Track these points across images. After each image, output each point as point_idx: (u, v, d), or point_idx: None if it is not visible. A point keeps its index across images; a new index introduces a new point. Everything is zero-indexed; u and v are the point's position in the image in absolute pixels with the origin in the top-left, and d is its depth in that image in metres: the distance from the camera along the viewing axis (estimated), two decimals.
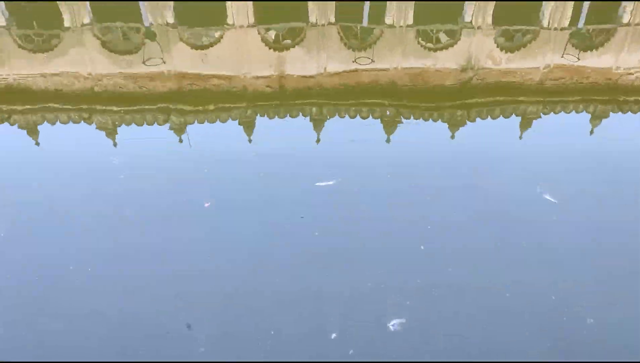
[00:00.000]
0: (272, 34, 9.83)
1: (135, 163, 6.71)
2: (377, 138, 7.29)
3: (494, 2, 10.70)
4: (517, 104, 8.19)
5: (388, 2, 10.77)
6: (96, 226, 5.77)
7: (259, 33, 9.82)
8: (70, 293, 4.98)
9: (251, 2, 10.49)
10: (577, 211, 6.03)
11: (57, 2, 10.26)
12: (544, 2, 10.94)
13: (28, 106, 7.90)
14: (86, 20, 10.07)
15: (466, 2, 10.83)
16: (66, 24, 9.96)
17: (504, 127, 7.75)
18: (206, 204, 6.01)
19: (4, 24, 9.70)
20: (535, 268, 5.28)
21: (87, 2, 10.38)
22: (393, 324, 4.75)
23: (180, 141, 7.13)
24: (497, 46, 9.79)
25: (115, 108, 7.84)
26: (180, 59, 9.25)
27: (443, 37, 9.92)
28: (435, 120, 7.77)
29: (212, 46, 9.60)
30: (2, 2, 10.21)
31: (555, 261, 5.37)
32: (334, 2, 10.52)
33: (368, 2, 10.64)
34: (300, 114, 7.81)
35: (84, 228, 5.72)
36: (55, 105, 7.98)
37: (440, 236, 5.64)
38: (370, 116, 7.83)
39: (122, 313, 4.79)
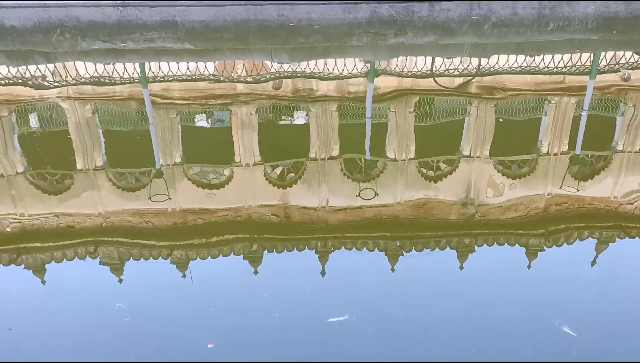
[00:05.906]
0: (277, 171, 10.22)
1: (139, 304, 6.60)
2: (385, 270, 7.23)
3: (491, 137, 11.27)
4: (520, 237, 8.23)
5: (388, 137, 11.35)
6: None
7: (264, 172, 10.17)
8: None
9: (256, 141, 11.04)
10: (597, 344, 5.82)
11: (73, 145, 10.84)
12: (541, 132, 11.48)
13: (37, 244, 7.98)
14: (99, 163, 10.56)
15: (464, 137, 11.39)
16: (79, 166, 10.39)
17: (511, 259, 7.71)
18: (209, 346, 5.81)
19: (21, 170, 10.16)
20: None
21: (102, 145, 10.97)
22: None
23: (184, 276, 7.10)
24: (497, 172, 10.12)
25: (121, 241, 7.92)
26: (186, 196, 9.51)
27: (443, 166, 10.31)
28: (442, 249, 7.82)
29: (219, 188, 9.95)
30: (21, 152, 10.77)
31: None
32: (337, 137, 11.08)
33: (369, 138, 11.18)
34: (306, 247, 7.85)
35: None
36: (64, 242, 8.06)
37: None
38: (376, 249, 7.87)
39: None
